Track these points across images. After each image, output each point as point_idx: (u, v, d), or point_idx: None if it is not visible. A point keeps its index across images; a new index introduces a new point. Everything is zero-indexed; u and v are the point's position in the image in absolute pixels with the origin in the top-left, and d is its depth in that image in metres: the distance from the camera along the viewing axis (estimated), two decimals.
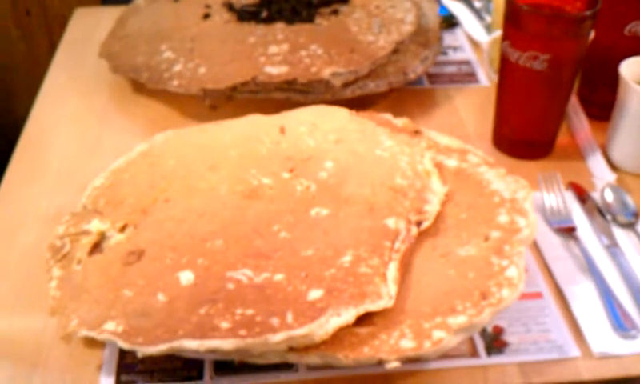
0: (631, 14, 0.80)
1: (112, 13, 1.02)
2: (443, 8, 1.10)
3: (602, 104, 0.84)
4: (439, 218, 0.63)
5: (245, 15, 0.93)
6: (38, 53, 1.65)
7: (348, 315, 0.52)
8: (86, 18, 1.09)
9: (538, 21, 0.73)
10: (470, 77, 0.97)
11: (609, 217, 0.73)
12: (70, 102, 0.90)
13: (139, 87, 0.89)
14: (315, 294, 0.53)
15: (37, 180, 0.78)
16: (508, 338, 0.61)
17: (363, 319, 0.53)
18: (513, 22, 0.75)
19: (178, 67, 0.85)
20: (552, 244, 0.70)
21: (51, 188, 0.76)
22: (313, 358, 0.52)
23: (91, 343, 0.59)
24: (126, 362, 0.58)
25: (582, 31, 0.74)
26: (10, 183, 0.77)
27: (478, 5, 1.11)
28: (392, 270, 0.56)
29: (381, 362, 0.51)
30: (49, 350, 0.59)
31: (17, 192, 0.76)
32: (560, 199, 0.74)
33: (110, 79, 0.92)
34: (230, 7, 0.96)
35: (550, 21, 0.73)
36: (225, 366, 0.58)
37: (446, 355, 0.57)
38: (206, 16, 0.94)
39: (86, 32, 1.04)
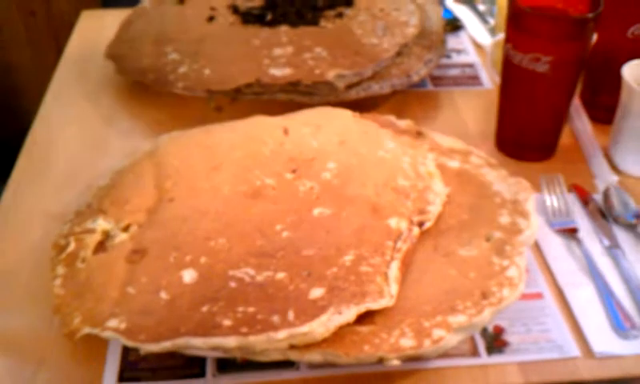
0: (634, 17, 0.80)
1: (118, 15, 1.02)
2: (447, 11, 1.10)
3: (605, 107, 0.85)
4: (441, 218, 0.63)
5: (249, 18, 0.94)
6: (44, 54, 1.67)
7: (349, 313, 0.52)
8: (92, 21, 1.10)
9: (540, 23, 0.74)
10: (474, 79, 0.97)
11: (610, 218, 0.73)
12: (76, 103, 0.91)
13: (145, 89, 0.89)
14: (317, 292, 0.54)
15: (43, 180, 0.78)
16: (508, 337, 0.61)
17: (364, 318, 0.53)
18: (515, 24, 0.75)
19: (183, 69, 0.85)
20: (553, 245, 0.70)
21: (57, 187, 0.77)
22: (314, 356, 0.52)
23: (95, 340, 0.59)
24: (129, 360, 0.59)
25: (585, 33, 0.74)
26: (17, 182, 0.78)
27: (481, 8, 1.12)
28: (393, 270, 0.57)
29: (381, 361, 0.51)
30: (53, 347, 0.60)
31: (23, 191, 0.77)
32: (562, 201, 0.74)
33: (116, 81, 0.93)
34: (235, 10, 0.96)
35: (552, 23, 0.73)
36: (227, 363, 0.58)
37: (446, 354, 0.58)
38: (211, 18, 0.95)
39: (93, 34, 1.05)
